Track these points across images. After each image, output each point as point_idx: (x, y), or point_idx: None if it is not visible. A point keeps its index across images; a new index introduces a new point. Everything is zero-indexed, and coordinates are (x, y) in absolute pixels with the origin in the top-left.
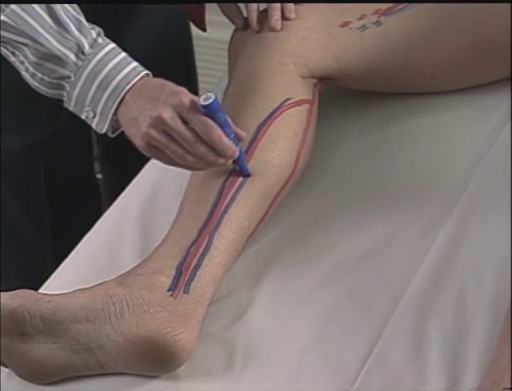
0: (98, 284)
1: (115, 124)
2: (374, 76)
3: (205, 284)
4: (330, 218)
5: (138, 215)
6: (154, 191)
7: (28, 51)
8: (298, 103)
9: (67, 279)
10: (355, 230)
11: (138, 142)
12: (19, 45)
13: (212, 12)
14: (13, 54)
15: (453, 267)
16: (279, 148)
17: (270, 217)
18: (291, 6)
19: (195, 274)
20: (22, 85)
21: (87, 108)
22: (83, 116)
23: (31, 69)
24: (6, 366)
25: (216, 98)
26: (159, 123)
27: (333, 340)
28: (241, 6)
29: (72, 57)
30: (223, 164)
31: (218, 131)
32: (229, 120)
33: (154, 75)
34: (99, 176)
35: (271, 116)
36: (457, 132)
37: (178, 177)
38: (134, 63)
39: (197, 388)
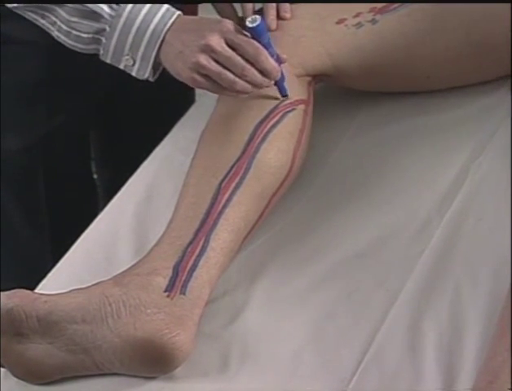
0: (94, 284)
1: (155, 67)
2: (370, 74)
3: (201, 285)
4: (326, 218)
5: (133, 215)
6: (150, 191)
7: (61, 11)
8: (294, 104)
9: (63, 279)
10: (350, 230)
11: (186, 74)
12: (52, 6)
13: (207, 12)
14: (42, 16)
15: (449, 267)
16: (275, 149)
17: (266, 217)
18: (286, 5)
19: (191, 275)
20: (22, 86)
21: (126, 57)
22: (121, 66)
23: (65, 28)
24: (3, 367)
25: (262, 20)
26: (208, 50)
27: (328, 340)
28: (236, 5)
29: (107, 9)
30: (267, 85)
31: (265, 52)
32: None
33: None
34: (94, 176)
35: (268, 116)
36: (454, 131)
37: (174, 177)
38: (166, 5)
39: (193, 389)
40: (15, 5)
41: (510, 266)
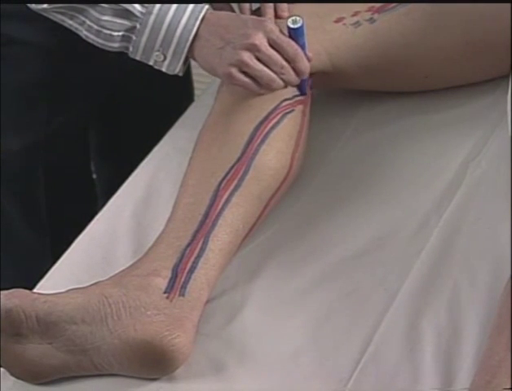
0: (93, 284)
1: (184, 61)
2: (368, 73)
3: (200, 287)
4: (324, 218)
5: (132, 215)
6: (148, 191)
7: (91, 10)
8: (294, 105)
9: (61, 279)
10: (348, 230)
11: (224, 69)
12: (83, 6)
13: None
14: (71, 17)
15: (447, 266)
16: (274, 151)
17: (264, 218)
18: (284, 5)
19: (190, 277)
20: (22, 86)
21: (156, 53)
22: (151, 62)
23: (95, 27)
24: (1, 366)
25: (303, 22)
26: (253, 49)
27: (326, 340)
28: (234, 5)
29: (138, 7)
30: (296, 83)
31: (302, 53)
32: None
33: (148, 73)
34: (94, 176)
35: (268, 117)
36: (452, 131)
37: (172, 176)
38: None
39: (191, 389)
40: (43, 6)
41: (510, 266)
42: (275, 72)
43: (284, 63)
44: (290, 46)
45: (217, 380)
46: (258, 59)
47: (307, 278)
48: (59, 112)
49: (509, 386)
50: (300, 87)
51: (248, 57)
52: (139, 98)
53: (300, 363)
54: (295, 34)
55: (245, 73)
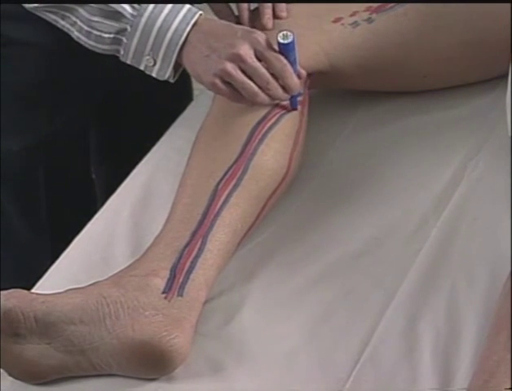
0: (91, 284)
1: (175, 67)
2: (366, 73)
3: (198, 287)
4: (322, 219)
5: (129, 215)
6: (146, 192)
7: (82, 11)
8: None
9: (59, 279)
10: (346, 230)
11: (207, 78)
12: (73, 6)
13: (204, 12)
14: (62, 17)
15: (445, 267)
16: (272, 151)
17: (263, 218)
18: (282, 5)
19: (188, 277)
20: (22, 86)
21: (147, 57)
22: (142, 67)
23: (85, 28)
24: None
25: (294, 38)
26: (237, 59)
27: (325, 340)
28: (232, 5)
29: (128, 8)
30: (284, 100)
31: (291, 69)
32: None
33: (147, 73)
34: (93, 176)
35: (265, 118)
36: (450, 131)
37: (170, 177)
38: (188, 5)
39: (190, 389)
40: (35, 5)
41: (510, 265)
42: (260, 87)
43: (271, 78)
44: (278, 60)
45: (215, 380)
46: (244, 72)
47: (306, 279)
48: (59, 112)
49: (508, 386)
50: (291, 103)
51: (231, 67)
52: (139, 98)
53: (298, 363)
54: (285, 49)
55: (230, 84)
